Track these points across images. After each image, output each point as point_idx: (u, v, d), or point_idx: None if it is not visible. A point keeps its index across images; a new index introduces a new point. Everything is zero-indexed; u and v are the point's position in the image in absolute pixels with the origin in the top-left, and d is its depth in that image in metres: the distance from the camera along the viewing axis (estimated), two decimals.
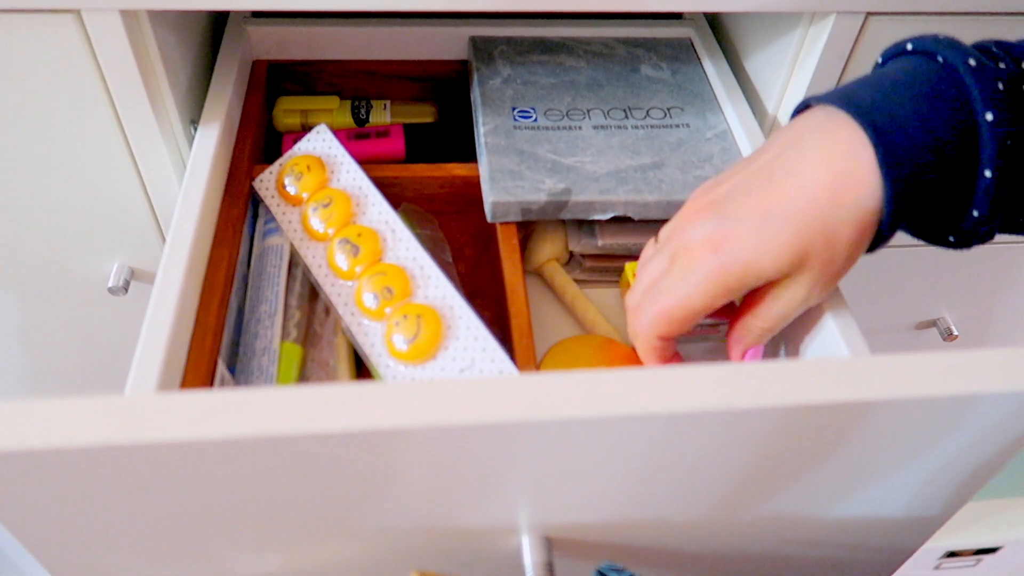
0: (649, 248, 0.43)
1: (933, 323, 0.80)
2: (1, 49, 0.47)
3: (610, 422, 0.27)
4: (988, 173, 0.34)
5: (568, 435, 0.27)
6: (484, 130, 0.55)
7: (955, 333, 0.78)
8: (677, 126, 0.57)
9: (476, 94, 0.59)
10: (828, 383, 0.28)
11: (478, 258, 0.58)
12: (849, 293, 0.78)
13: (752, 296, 0.40)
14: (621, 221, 0.55)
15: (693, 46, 0.65)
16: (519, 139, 0.55)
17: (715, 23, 0.69)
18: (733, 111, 0.58)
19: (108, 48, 0.47)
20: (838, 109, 0.36)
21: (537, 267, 0.56)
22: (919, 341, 0.83)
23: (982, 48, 0.36)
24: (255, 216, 0.55)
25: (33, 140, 0.52)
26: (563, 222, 0.57)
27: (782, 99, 0.58)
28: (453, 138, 0.63)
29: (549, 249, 0.55)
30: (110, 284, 0.60)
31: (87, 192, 0.55)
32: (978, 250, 0.73)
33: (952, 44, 0.35)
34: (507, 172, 0.52)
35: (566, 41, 0.64)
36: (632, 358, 0.51)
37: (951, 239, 0.39)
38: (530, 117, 0.57)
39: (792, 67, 0.56)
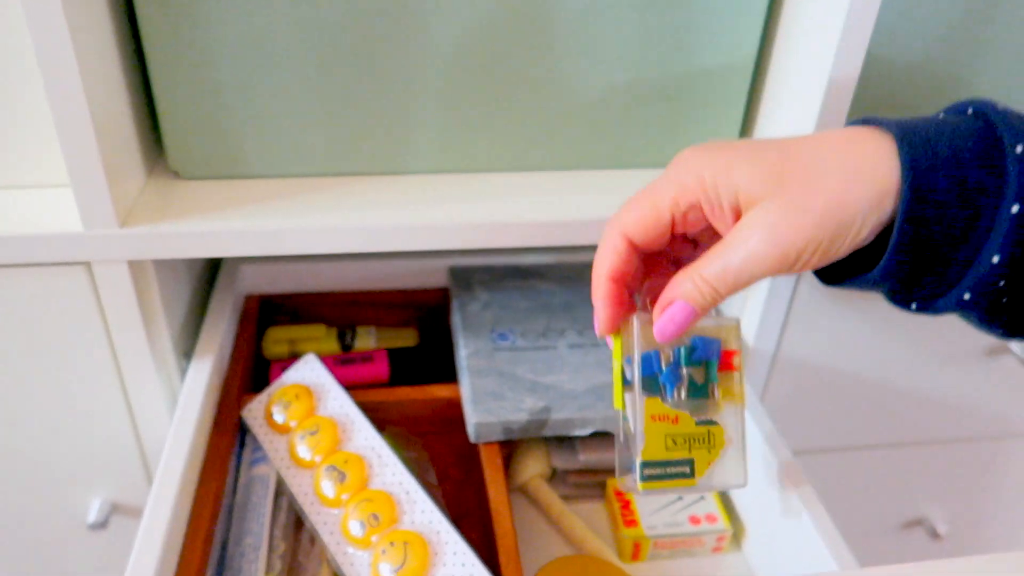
0: None
1: (919, 522, 0.80)
2: (9, 295, 0.50)
3: None
4: (1015, 209, 0.31)
5: None
6: (465, 353, 0.58)
7: (940, 534, 0.78)
8: None
9: (457, 319, 0.62)
10: None
11: (463, 478, 0.58)
12: (833, 494, 0.79)
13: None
14: (602, 436, 0.56)
15: None
16: (499, 360, 0.58)
17: None
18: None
19: (113, 294, 0.50)
20: (866, 125, 0.35)
21: (522, 484, 0.57)
22: (906, 542, 0.82)
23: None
24: (242, 445, 0.56)
25: (27, 376, 0.54)
26: (545, 439, 0.58)
27: (744, 307, 0.63)
28: (434, 360, 0.66)
29: (532, 466, 0.56)
30: (91, 520, 0.59)
31: (77, 427, 0.56)
32: (957, 447, 0.75)
33: (982, 99, 0.35)
34: (489, 393, 0.55)
35: (538, 268, 0.69)
36: None
37: (966, 297, 0.34)
38: (508, 339, 0.60)
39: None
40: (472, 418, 0.53)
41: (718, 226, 0.35)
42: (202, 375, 0.53)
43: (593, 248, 0.74)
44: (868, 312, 0.63)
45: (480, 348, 0.59)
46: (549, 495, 0.56)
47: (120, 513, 0.61)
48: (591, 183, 0.58)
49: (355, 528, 0.47)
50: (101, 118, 0.45)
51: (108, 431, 0.57)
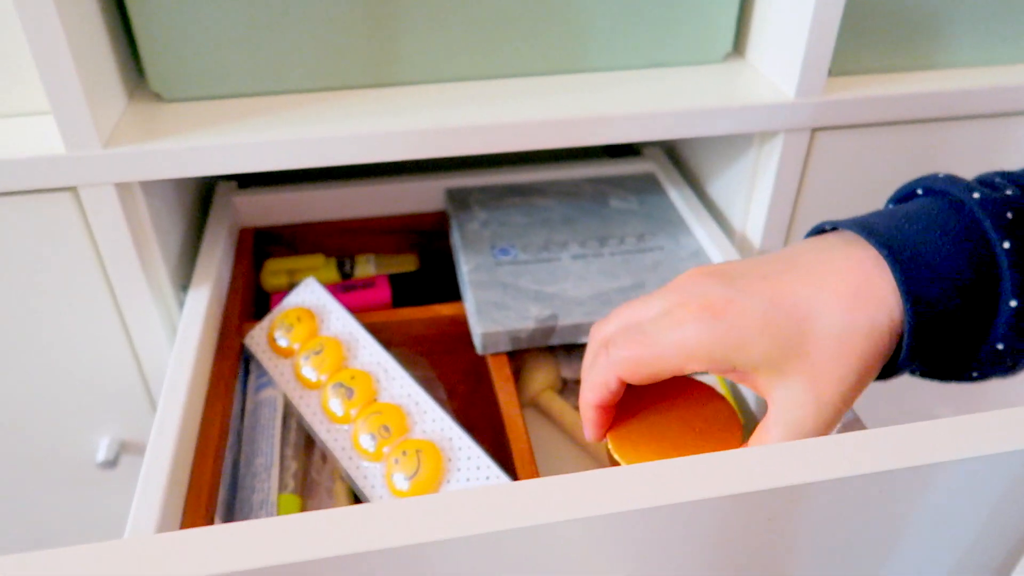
0: (621, 307, 0.40)
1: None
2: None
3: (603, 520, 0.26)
4: (1013, 303, 0.33)
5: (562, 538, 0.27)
6: (466, 269, 0.57)
7: None
8: (652, 249, 0.60)
9: (456, 238, 0.61)
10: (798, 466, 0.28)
11: (471, 394, 0.58)
12: None
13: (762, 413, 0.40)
14: None
15: (656, 178, 0.69)
16: (501, 274, 0.57)
17: (673, 155, 0.73)
18: (703, 232, 0.61)
19: (102, 220, 0.49)
20: (856, 235, 0.36)
21: (533, 397, 0.56)
22: None
23: (985, 181, 0.37)
24: (247, 373, 0.55)
25: (23, 313, 0.53)
26: (553, 351, 0.57)
27: (747, 216, 0.61)
28: (436, 284, 0.65)
29: (542, 378, 0.56)
30: (100, 458, 0.58)
31: (78, 364, 0.56)
32: None
33: (955, 180, 0.36)
34: (493, 304, 0.54)
35: (536, 185, 0.68)
36: (705, 391, 0.42)
37: (973, 375, 0.37)
38: (509, 254, 0.59)
39: (752, 185, 0.60)
40: (478, 328, 0.52)
41: (732, 377, 0.37)
42: (200, 304, 0.52)
43: (592, 156, 0.72)
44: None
45: (481, 263, 0.58)
46: (561, 405, 0.55)
47: (130, 452, 0.61)
48: (584, 85, 0.56)
49: (366, 442, 0.46)
50: (76, 40, 0.43)
51: (110, 367, 0.56)
